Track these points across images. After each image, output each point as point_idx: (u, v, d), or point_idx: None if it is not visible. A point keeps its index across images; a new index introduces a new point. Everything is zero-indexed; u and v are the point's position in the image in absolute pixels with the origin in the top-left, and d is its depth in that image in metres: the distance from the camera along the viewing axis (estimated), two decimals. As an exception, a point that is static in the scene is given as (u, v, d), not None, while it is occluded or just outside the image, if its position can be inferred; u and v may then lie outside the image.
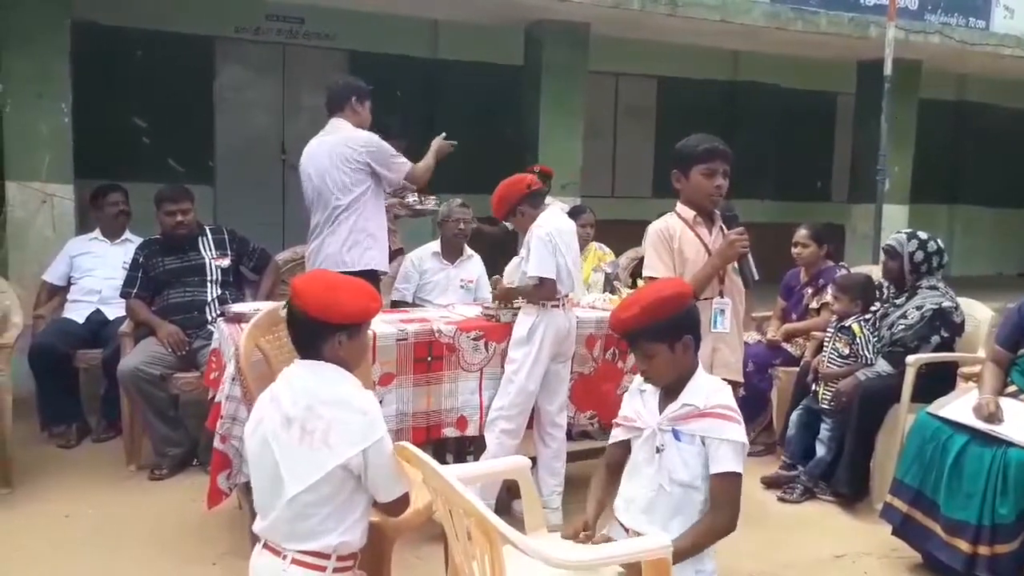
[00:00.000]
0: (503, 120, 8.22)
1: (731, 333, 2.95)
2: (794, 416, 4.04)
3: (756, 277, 2.89)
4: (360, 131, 3.91)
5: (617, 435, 2.30)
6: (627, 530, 2.16)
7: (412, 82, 8.51)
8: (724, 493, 2.04)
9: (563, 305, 3.32)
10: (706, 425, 2.07)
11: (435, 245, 4.52)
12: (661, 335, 2.09)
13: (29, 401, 4.23)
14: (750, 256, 2.86)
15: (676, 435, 2.10)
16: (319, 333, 2.00)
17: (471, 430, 3.41)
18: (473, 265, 4.54)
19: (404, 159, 3.97)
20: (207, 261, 4.18)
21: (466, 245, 4.55)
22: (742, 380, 3.12)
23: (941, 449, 3.05)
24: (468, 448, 3.73)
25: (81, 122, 6.00)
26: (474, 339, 3.37)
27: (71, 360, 4.17)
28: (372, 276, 3.80)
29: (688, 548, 1.98)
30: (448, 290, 4.41)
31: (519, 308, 3.36)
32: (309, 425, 1.91)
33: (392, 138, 4.97)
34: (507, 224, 3.55)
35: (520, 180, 3.39)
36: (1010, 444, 2.88)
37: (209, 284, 4.14)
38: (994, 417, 2.98)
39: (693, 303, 2.25)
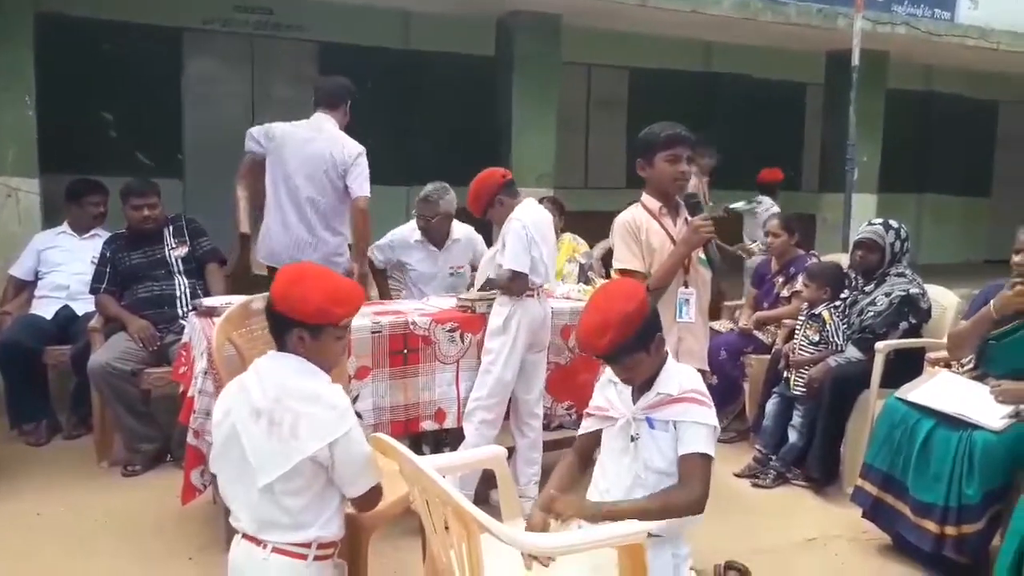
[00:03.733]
0: (476, 111, 8.18)
1: (696, 323, 2.97)
2: (769, 407, 4.07)
3: (722, 264, 2.92)
4: (347, 139, 3.99)
5: (589, 425, 2.31)
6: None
7: (384, 73, 8.44)
8: (692, 472, 2.05)
9: (538, 295, 3.33)
10: (678, 410, 2.09)
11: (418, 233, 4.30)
12: (638, 345, 2.10)
13: (-3, 399, 4.17)
14: (715, 242, 2.89)
15: (650, 423, 2.12)
16: (279, 325, 2.00)
17: (449, 422, 3.41)
18: (461, 249, 4.32)
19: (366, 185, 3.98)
20: (167, 253, 4.14)
21: (454, 228, 4.29)
22: (707, 368, 3.15)
23: (909, 433, 3.11)
24: (445, 439, 3.74)
25: (47, 115, 5.89)
26: (449, 331, 3.37)
27: (40, 357, 4.12)
28: None
29: (654, 509, 2.00)
30: (436, 279, 4.26)
31: (494, 299, 3.37)
32: (277, 417, 1.90)
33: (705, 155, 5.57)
34: None
35: (493, 172, 3.42)
36: (975, 427, 2.94)
37: (176, 277, 4.10)
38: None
39: (651, 301, 2.23)
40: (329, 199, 3.95)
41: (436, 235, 4.25)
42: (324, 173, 3.90)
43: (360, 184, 3.94)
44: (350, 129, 4.07)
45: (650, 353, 2.12)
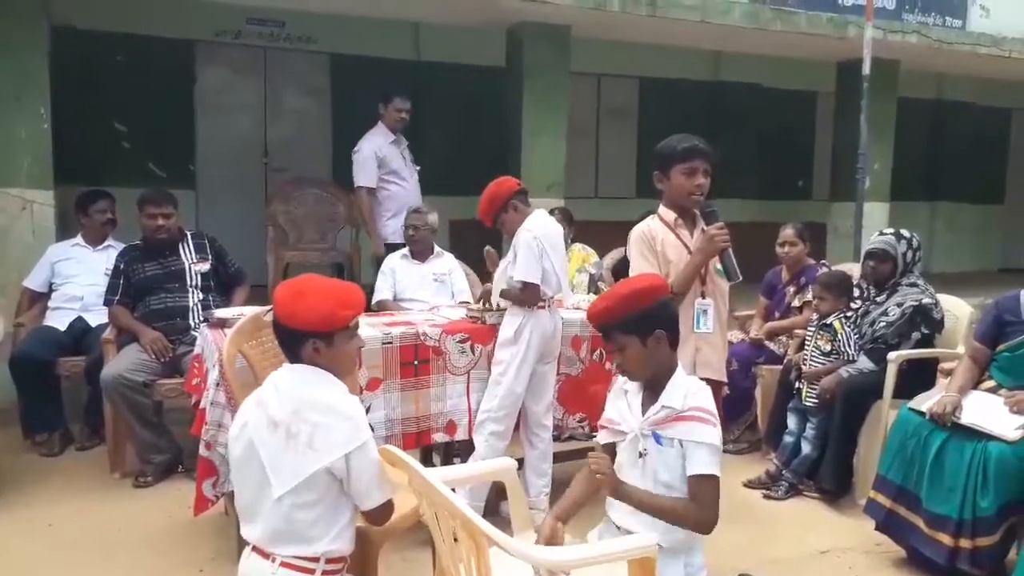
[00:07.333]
0: (486, 122, 8.21)
1: (714, 333, 2.97)
2: (791, 424, 4.00)
3: (739, 273, 2.90)
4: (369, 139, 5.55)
5: (603, 437, 2.32)
6: (618, 528, 2.18)
7: (394, 84, 8.46)
8: (702, 495, 2.07)
9: (549, 306, 3.33)
10: (683, 429, 2.09)
11: (405, 249, 4.62)
12: (633, 327, 2.12)
13: (11, 410, 4.21)
14: (731, 251, 2.88)
15: (657, 439, 2.12)
16: (292, 339, 2.01)
17: (460, 434, 3.40)
18: (444, 261, 4.61)
19: (363, 181, 5.43)
20: (187, 266, 4.16)
21: (436, 244, 4.63)
22: (725, 380, 3.14)
23: (923, 444, 3.08)
24: (455, 450, 3.74)
25: (61, 127, 5.95)
26: (460, 342, 3.37)
27: (53, 368, 4.14)
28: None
29: (664, 510, 2.03)
30: (423, 286, 4.47)
31: (504, 310, 3.36)
32: (294, 428, 1.92)
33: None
34: None
35: (507, 180, 3.41)
36: (990, 438, 2.92)
37: (191, 289, 4.12)
38: (946, 418, 3.02)
39: (668, 299, 2.26)
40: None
41: (422, 246, 4.53)
42: None
43: (355, 175, 5.40)
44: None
45: (645, 344, 2.12)
